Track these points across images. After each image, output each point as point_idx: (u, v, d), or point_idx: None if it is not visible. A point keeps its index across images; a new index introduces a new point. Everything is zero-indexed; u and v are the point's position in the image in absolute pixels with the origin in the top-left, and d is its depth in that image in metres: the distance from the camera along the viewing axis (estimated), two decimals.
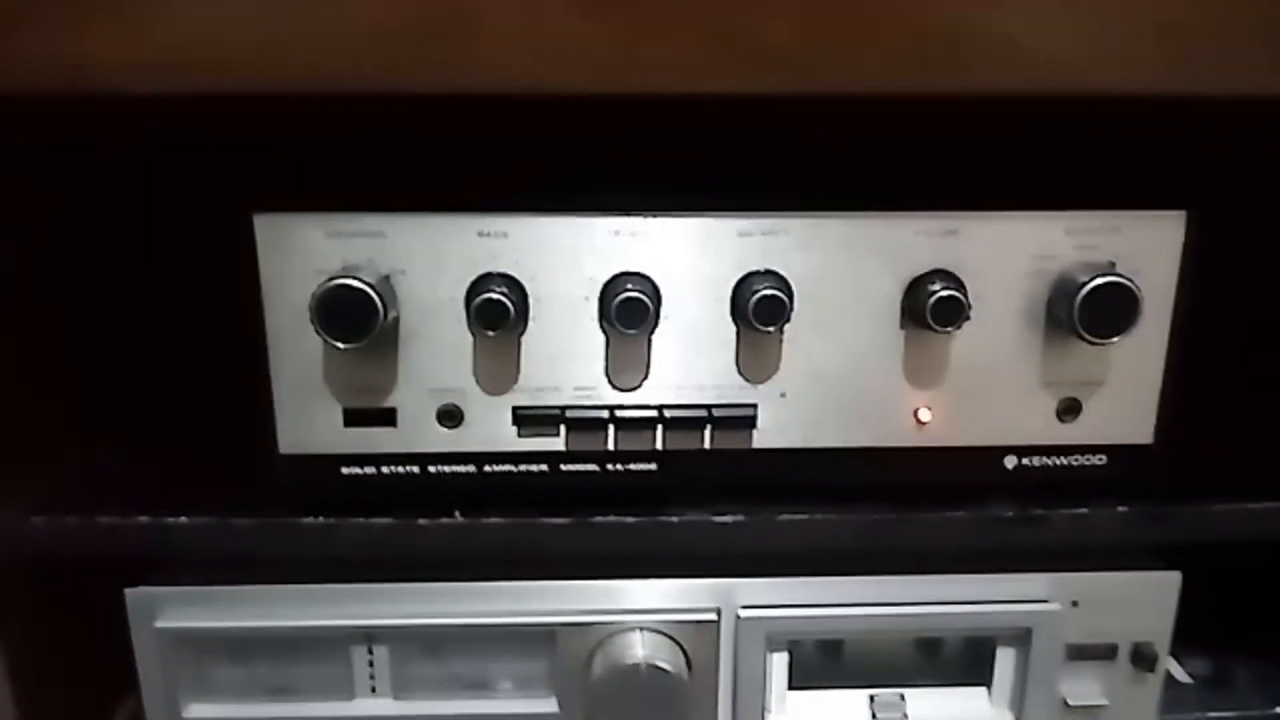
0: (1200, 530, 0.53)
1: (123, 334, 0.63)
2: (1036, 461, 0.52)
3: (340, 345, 0.46)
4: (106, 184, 0.61)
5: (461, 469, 0.51)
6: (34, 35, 0.42)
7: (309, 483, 0.50)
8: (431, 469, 0.51)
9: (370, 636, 0.54)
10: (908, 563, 0.55)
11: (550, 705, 0.55)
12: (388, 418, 0.50)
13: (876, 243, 0.49)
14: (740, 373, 0.50)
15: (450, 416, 0.50)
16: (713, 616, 0.54)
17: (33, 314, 0.56)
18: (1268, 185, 0.60)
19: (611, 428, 0.50)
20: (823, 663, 0.56)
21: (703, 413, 0.50)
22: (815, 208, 0.49)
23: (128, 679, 0.54)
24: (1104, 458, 0.52)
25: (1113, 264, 0.49)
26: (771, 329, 0.48)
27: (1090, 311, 0.48)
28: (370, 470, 0.51)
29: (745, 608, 0.54)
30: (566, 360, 0.50)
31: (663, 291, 0.49)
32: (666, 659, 0.53)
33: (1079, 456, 0.52)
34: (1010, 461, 0.52)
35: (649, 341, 0.50)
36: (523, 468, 0.51)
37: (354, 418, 0.50)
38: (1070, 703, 0.56)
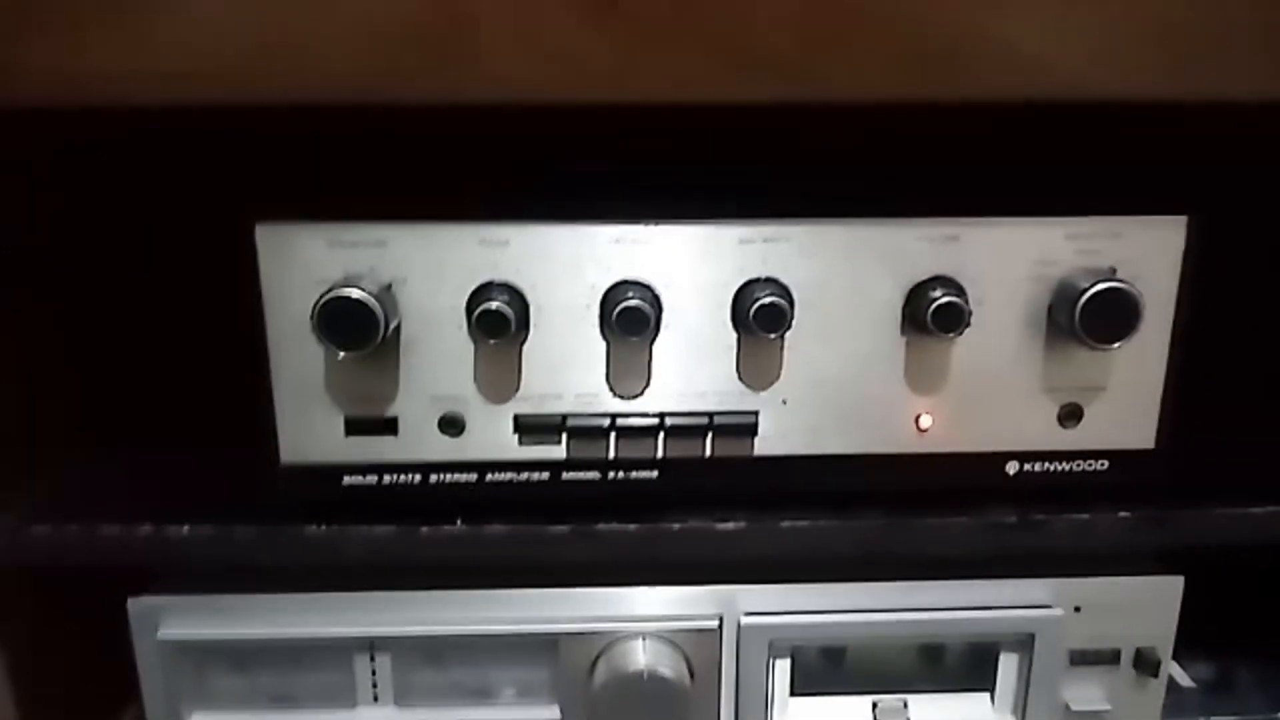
0: (1202, 535, 0.52)
1: (125, 343, 0.63)
2: (1038, 467, 0.52)
3: (342, 354, 0.46)
4: (108, 193, 0.61)
5: (463, 477, 0.51)
6: (34, 46, 0.42)
7: (311, 492, 0.50)
8: (433, 477, 0.51)
9: (372, 645, 0.54)
10: (910, 569, 0.55)
11: (553, 713, 0.55)
12: (389, 426, 0.50)
13: (877, 249, 0.49)
14: (741, 380, 0.50)
15: (452, 425, 0.50)
16: (715, 623, 0.54)
17: (35, 323, 0.56)
18: (1268, 190, 0.60)
19: (613, 435, 0.50)
20: (825, 669, 0.56)
21: (704, 420, 0.50)
22: (816, 214, 0.49)
23: (130, 688, 0.54)
24: (1105, 463, 0.52)
25: (1114, 269, 0.49)
26: (773, 336, 0.48)
27: (1091, 317, 0.48)
28: (372, 479, 0.51)
29: (747, 614, 0.54)
30: (568, 368, 0.50)
31: (664, 299, 0.49)
32: (669, 666, 0.53)
33: (1081, 462, 0.52)
34: (1012, 467, 0.52)
35: (650, 349, 0.50)
36: (524, 476, 0.51)
37: (355, 426, 0.50)
38: (1073, 708, 0.56)
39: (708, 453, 0.51)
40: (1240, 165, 0.57)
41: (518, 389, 0.50)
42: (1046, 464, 0.52)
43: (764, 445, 0.51)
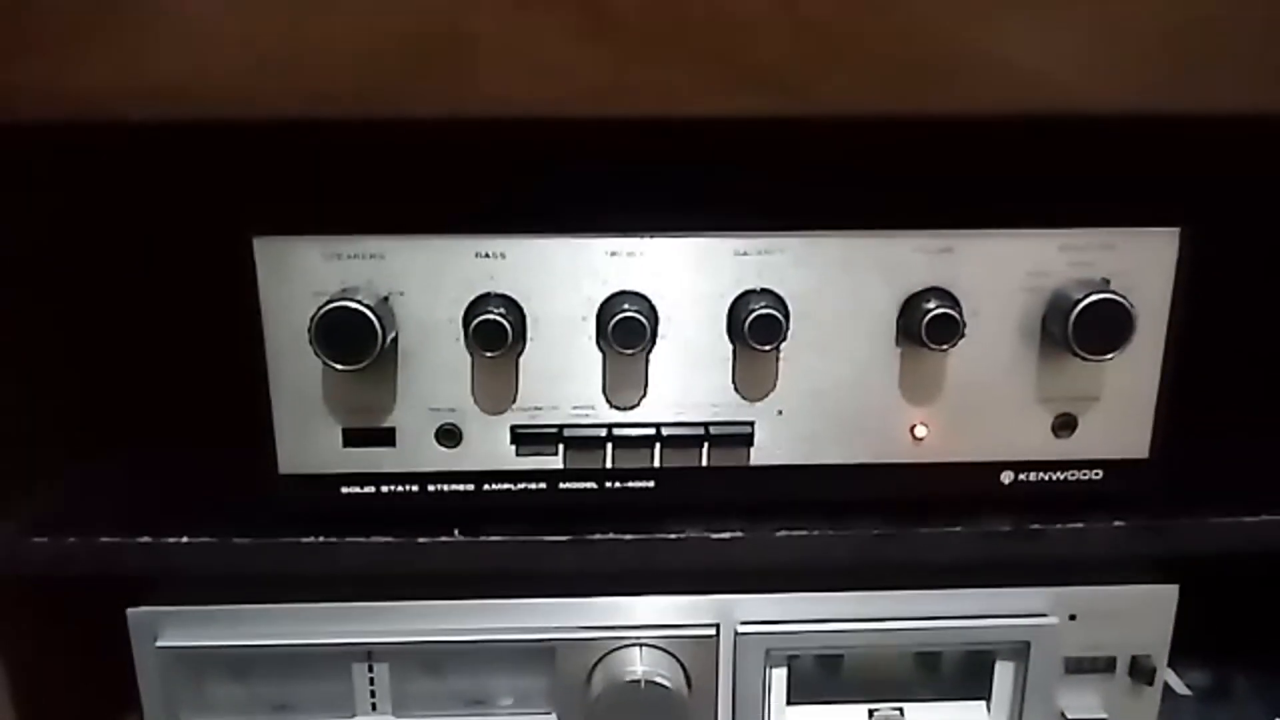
0: (1196, 543, 0.53)
1: (124, 355, 0.63)
2: (1033, 476, 0.53)
3: (339, 366, 0.46)
4: (107, 207, 0.62)
5: (460, 488, 0.51)
6: (32, 65, 0.42)
7: (309, 502, 0.51)
8: (431, 488, 0.51)
9: (371, 654, 0.54)
10: (906, 578, 0.55)
11: None
12: (387, 438, 0.50)
13: (872, 261, 0.49)
14: (737, 391, 0.51)
15: (449, 436, 0.50)
16: (712, 632, 0.54)
17: (35, 335, 0.56)
18: (1260, 202, 0.61)
19: (609, 446, 0.51)
20: (822, 677, 0.57)
21: (700, 430, 0.51)
22: (811, 226, 0.49)
23: (129, 697, 0.54)
24: (1100, 472, 0.53)
25: (1107, 281, 0.49)
26: (768, 347, 0.48)
27: (1084, 328, 0.48)
28: (370, 489, 0.51)
29: (744, 623, 0.54)
30: (564, 379, 0.50)
31: (660, 311, 0.49)
32: (666, 675, 0.53)
33: (1075, 471, 0.53)
34: (1007, 477, 0.53)
35: (646, 360, 0.50)
36: (521, 486, 0.51)
37: (353, 438, 0.50)
38: (1069, 716, 0.56)
39: (704, 463, 0.51)
40: (1232, 177, 0.58)
41: (515, 400, 0.50)
42: (1041, 473, 0.53)
43: (760, 455, 0.51)
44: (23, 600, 0.55)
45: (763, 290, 0.49)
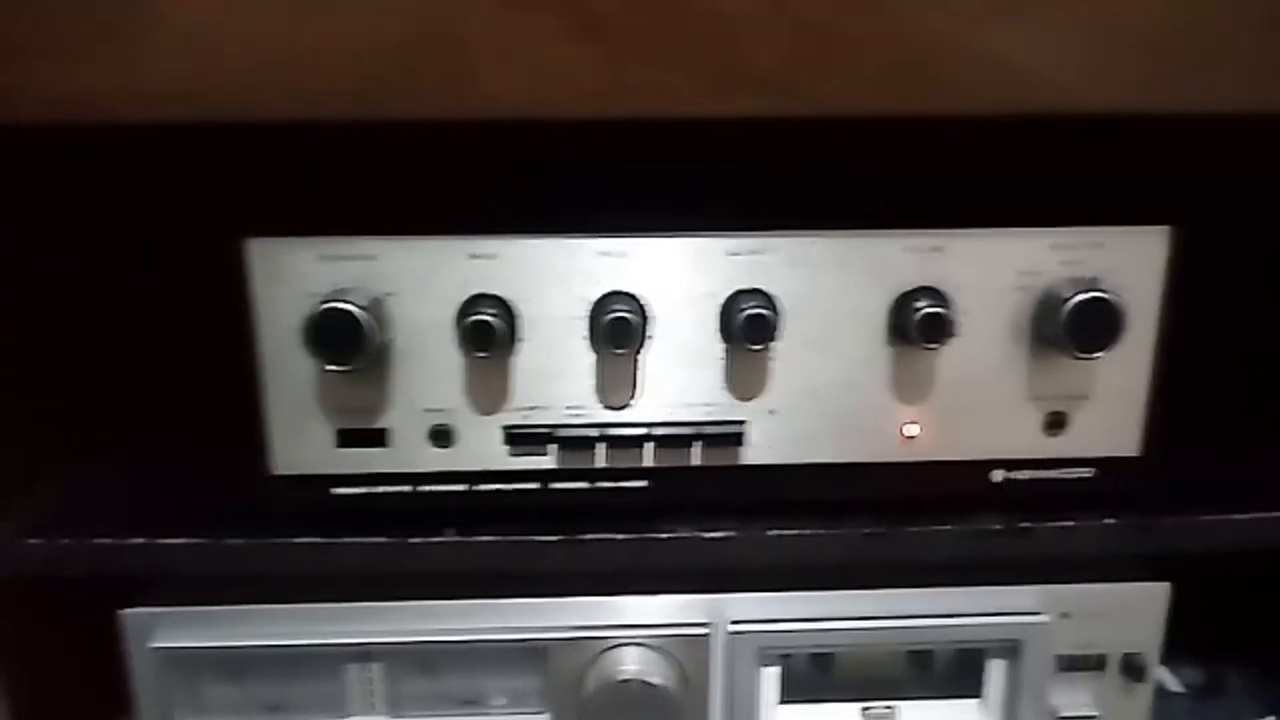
0: (1188, 541, 0.53)
1: (118, 356, 0.63)
2: (1024, 475, 0.53)
3: (332, 367, 0.47)
4: (100, 208, 0.62)
5: (453, 488, 0.51)
6: (30, 67, 0.42)
7: (302, 502, 0.51)
8: (424, 488, 0.51)
9: (365, 654, 0.54)
10: (898, 576, 0.55)
11: None
12: (380, 438, 0.50)
13: (863, 260, 0.49)
14: (729, 390, 0.51)
15: (442, 436, 0.50)
16: (704, 631, 0.54)
17: (28, 336, 0.56)
18: (1250, 200, 0.61)
19: (602, 446, 0.51)
20: (814, 676, 0.57)
21: (692, 430, 0.51)
22: (802, 226, 0.49)
23: (123, 698, 0.54)
24: (1091, 470, 0.53)
25: (1097, 280, 0.49)
26: (759, 347, 0.48)
27: (1075, 327, 0.48)
28: (363, 490, 0.51)
29: (736, 622, 0.54)
30: (556, 379, 0.50)
31: (651, 311, 0.49)
32: (659, 674, 0.53)
33: (1066, 469, 0.53)
34: (998, 475, 0.53)
35: (638, 360, 0.50)
36: (514, 486, 0.51)
37: (346, 438, 0.50)
38: (1062, 714, 0.57)
39: (696, 462, 0.51)
40: (1222, 175, 0.58)
41: (507, 400, 0.50)
42: (1032, 472, 0.53)
43: (752, 455, 0.52)
44: (17, 601, 0.55)
45: (754, 290, 0.49)
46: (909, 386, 0.51)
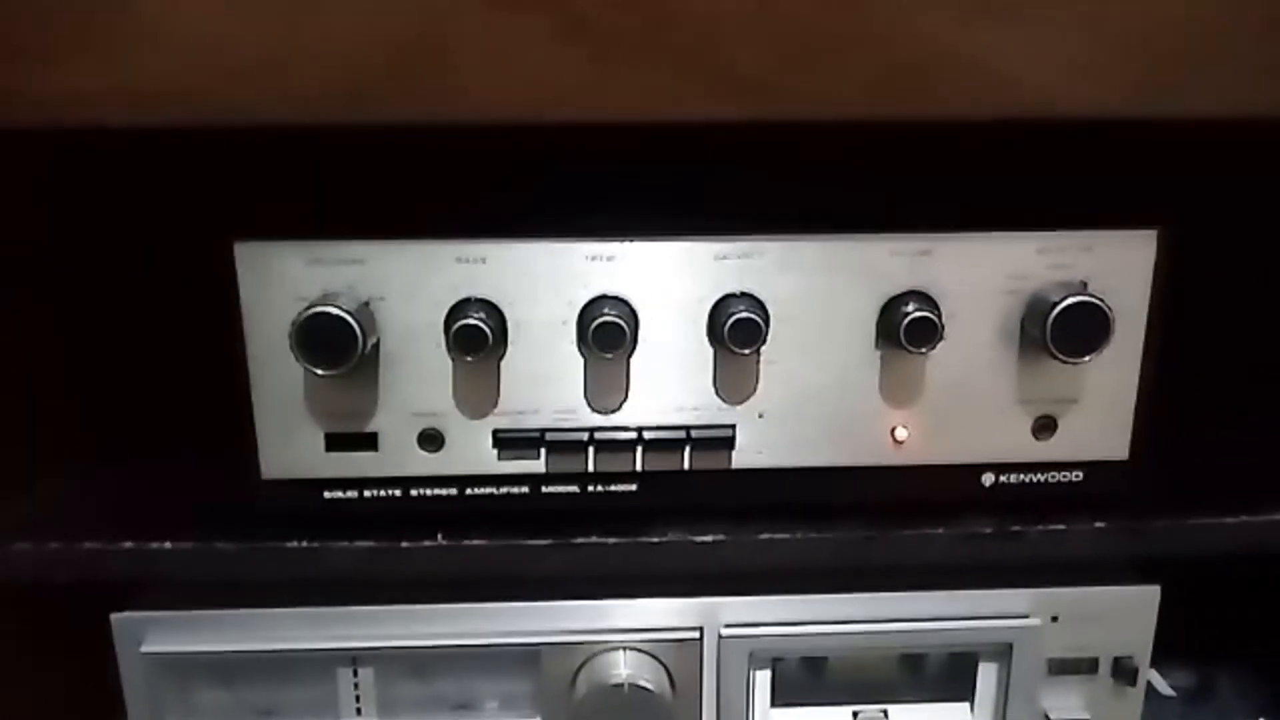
0: (1177, 544, 0.53)
1: (105, 360, 0.63)
2: (1014, 478, 0.53)
3: (320, 372, 0.47)
4: (86, 211, 0.62)
5: (443, 492, 0.51)
6: (20, 69, 0.42)
7: (292, 507, 0.51)
8: (413, 492, 0.51)
9: (355, 658, 0.54)
10: (888, 580, 0.55)
11: None
12: (369, 442, 0.50)
13: (851, 264, 0.49)
14: (718, 394, 0.51)
15: (431, 440, 0.50)
16: (695, 635, 0.54)
17: (14, 340, 0.56)
18: (1237, 204, 0.61)
19: (591, 449, 0.51)
20: (806, 680, 0.57)
21: (682, 434, 0.51)
22: (790, 230, 0.49)
23: (114, 702, 0.54)
24: (1080, 474, 0.53)
25: (1085, 283, 0.49)
26: (748, 351, 0.48)
27: (1063, 331, 0.48)
28: (352, 494, 0.51)
29: (728, 626, 0.54)
30: (546, 383, 0.50)
31: (640, 315, 0.49)
32: (650, 678, 0.53)
33: (1056, 473, 0.53)
34: (988, 479, 0.53)
35: (627, 364, 0.50)
36: (504, 490, 0.51)
37: (336, 442, 0.50)
38: (1053, 717, 0.57)
39: (686, 466, 0.51)
40: (1209, 178, 0.58)
41: (496, 404, 0.50)
42: (1022, 475, 0.53)
43: (741, 458, 0.52)
44: (7, 606, 0.55)
45: (743, 294, 0.49)
46: (898, 390, 0.51)
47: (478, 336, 0.47)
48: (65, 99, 0.42)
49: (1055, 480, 0.53)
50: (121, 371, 0.63)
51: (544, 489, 0.51)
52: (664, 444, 0.51)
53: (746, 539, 0.51)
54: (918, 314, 0.48)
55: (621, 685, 0.53)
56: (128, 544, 0.51)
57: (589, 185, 0.55)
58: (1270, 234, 0.66)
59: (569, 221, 0.49)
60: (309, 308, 0.46)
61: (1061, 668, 0.56)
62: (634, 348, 0.49)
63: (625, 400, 0.51)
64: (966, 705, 0.57)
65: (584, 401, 0.50)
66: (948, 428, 0.52)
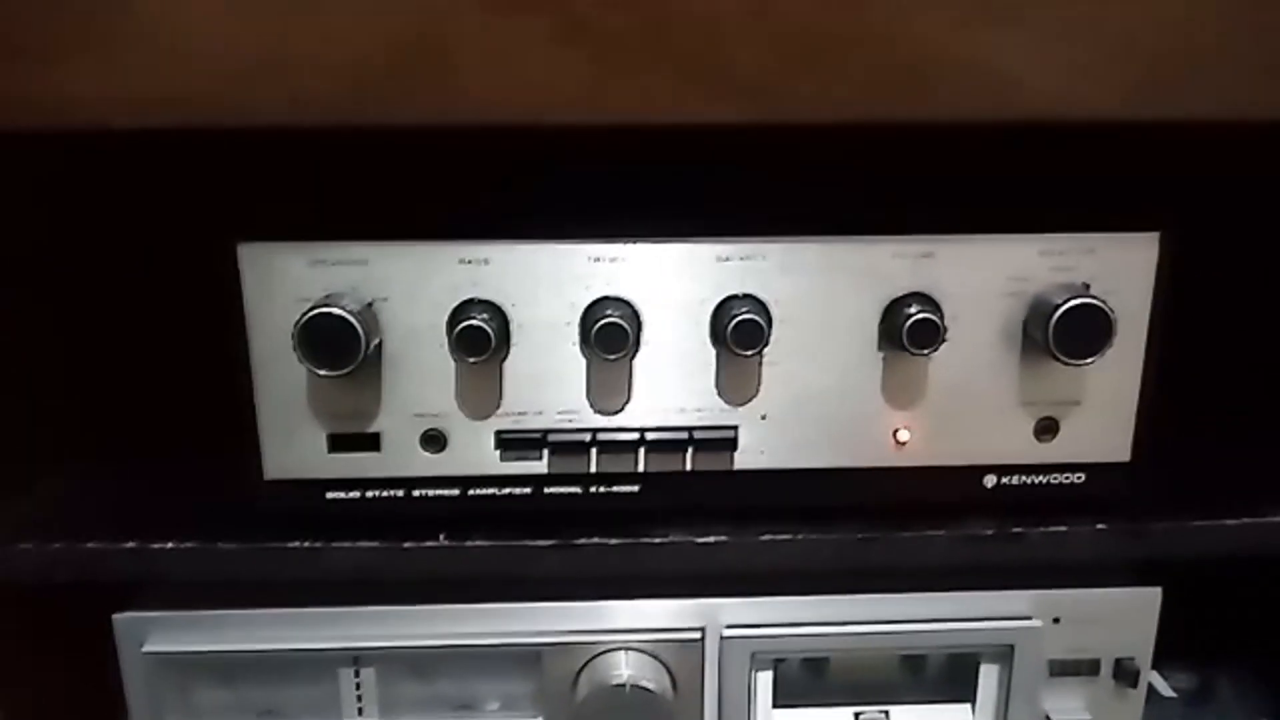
0: (1179, 546, 0.53)
1: (109, 361, 0.63)
2: (1015, 480, 0.53)
3: (323, 372, 0.47)
4: (90, 213, 0.62)
5: (445, 492, 0.51)
6: (19, 72, 0.42)
7: (294, 507, 0.51)
8: (416, 493, 0.51)
9: (357, 658, 0.54)
10: (890, 581, 0.55)
11: None
12: (372, 443, 0.50)
13: (854, 266, 0.50)
14: (720, 395, 0.51)
15: (434, 441, 0.50)
16: (697, 636, 0.54)
17: (19, 341, 0.56)
18: (1239, 206, 0.61)
19: (594, 450, 0.51)
20: (807, 681, 0.57)
21: (684, 435, 0.51)
22: (793, 232, 0.49)
23: (116, 702, 0.54)
24: (1082, 476, 0.53)
25: (1087, 285, 0.49)
26: (751, 352, 0.48)
27: (1065, 333, 0.48)
28: (355, 494, 0.51)
29: (729, 627, 0.55)
30: (548, 384, 0.50)
31: (643, 316, 0.49)
32: (651, 679, 0.54)
33: (1057, 475, 0.53)
34: (989, 480, 0.53)
35: (630, 365, 0.50)
36: (506, 491, 0.51)
37: (338, 443, 0.50)
38: (1054, 718, 0.57)
39: (688, 467, 0.52)
40: (1211, 181, 0.58)
41: (499, 405, 0.50)
42: (1024, 477, 0.53)
43: (743, 460, 0.52)
44: (8, 606, 0.55)
45: (745, 296, 0.49)
46: (900, 392, 0.51)
47: (480, 338, 0.47)
48: (66, 102, 0.42)
49: (1057, 482, 0.53)
50: (125, 372, 0.63)
51: (546, 490, 0.52)
52: (666, 445, 0.51)
53: (748, 540, 0.51)
54: (920, 316, 0.48)
55: (623, 686, 0.53)
56: (130, 544, 0.51)
57: (591, 187, 0.55)
58: (1272, 236, 0.66)
59: (572, 223, 0.49)
60: (312, 308, 0.46)
61: (1063, 669, 0.56)
62: (636, 349, 0.50)
63: (627, 401, 0.51)
64: (968, 706, 0.57)
65: (586, 403, 0.51)
66: (949, 429, 0.52)
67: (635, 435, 0.51)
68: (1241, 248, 0.64)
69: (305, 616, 0.54)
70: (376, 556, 0.51)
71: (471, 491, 0.51)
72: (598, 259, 0.49)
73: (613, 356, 0.48)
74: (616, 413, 0.51)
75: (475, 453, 0.51)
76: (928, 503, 0.53)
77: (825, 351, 0.50)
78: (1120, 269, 0.50)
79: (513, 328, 0.49)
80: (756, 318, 0.48)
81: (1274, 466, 0.58)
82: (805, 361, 0.51)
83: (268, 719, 0.55)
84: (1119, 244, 0.50)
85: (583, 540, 0.51)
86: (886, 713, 0.57)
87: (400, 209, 0.51)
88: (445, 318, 0.48)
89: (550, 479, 0.51)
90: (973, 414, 0.52)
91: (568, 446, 0.51)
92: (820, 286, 0.50)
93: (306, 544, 0.51)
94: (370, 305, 0.48)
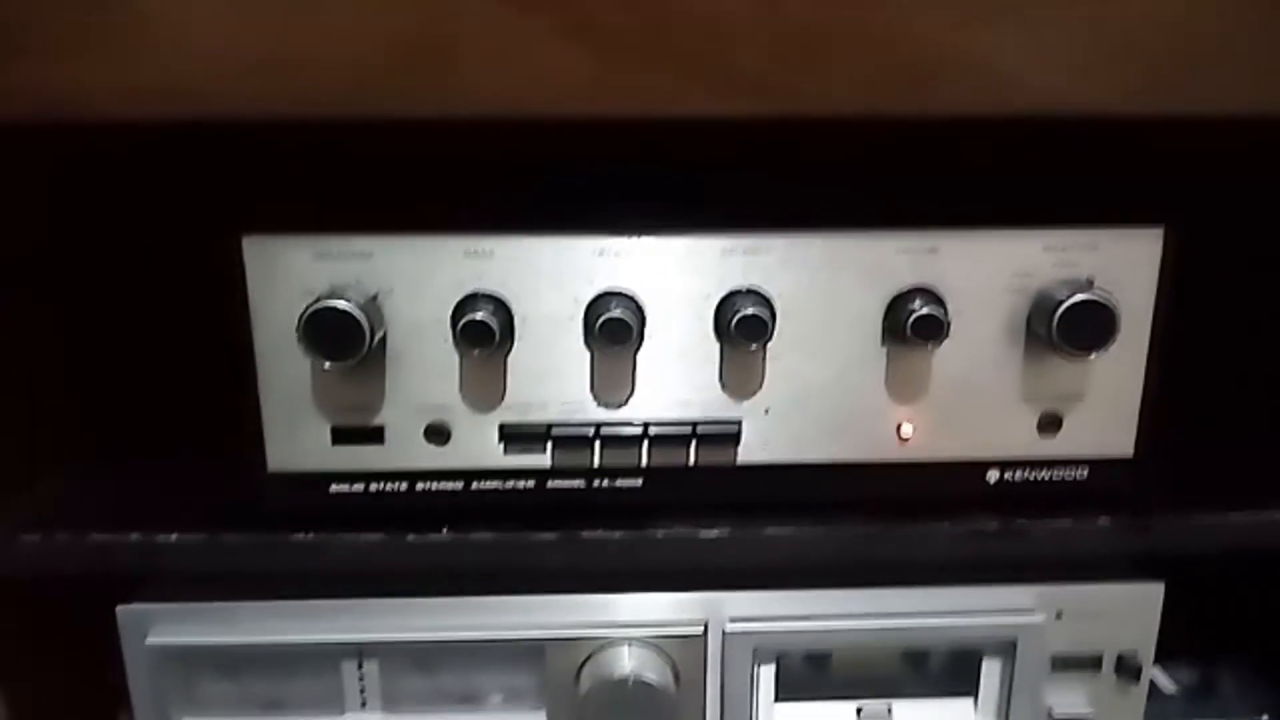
0: (1182, 541, 0.53)
1: (113, 353, 0.63)
2: (1019, 475, 0.53)
3: (328, 365, 0.47)
4: (94, 205, 0.62)
5: (449, 486, 0.51)
6: (25, 65, 0.42)
7: (298, 500, 0.51)
8: (419, 486, 0.51)
9: (360, 651, 0.54)
10: (893, 575, 0.55)
11: (539, 718, 0.55)
12: (376, 436, 0.50)
13: (858, 261, 0.50)
14: (724, 389, 0.51)
15: (437, 434, 0.51)
16: (700, 629, 0.55)
17: (23, 334, 0.57)
18: (1242, 201, 0.61)
19: (597, 444, 0.51)
20: (810, 675, 0.57)
21: (687, 429, 0.51)
22: (797, 226, 0.49)
23: (120, 695, 0.54)
24: (1085, 471, 0.53)
25: (1091, 280, 0.49)
26: (754, 346, 0.48)
27: (1068, 328, 0.48)
28: (359, 487, 0.51)
29: (732, 620, 0.55)
30: (552, 378, 0.50)
31: (647, 310, 0.49)
32: (654, 672, 0.54)
33: (1060, 470, 0.53)
34: (993, 475, 0.53)
35: (634, 359, 0.50)
36: (510, 484, 0.51)
37: (342, 436, 0.50)
38: (1056, 713, 0.57)
39: (691, 461, 0.52)
40: (1215, 176, 0.58)
41: (503, 398, 0.50)
42: (1027, 472, 0.53)
43: (747, 454, 0.52)
44: (14, 597, 0.55)
45: (749, 290, 0.49)
46: (904, 386, 0.51)
47: (485, 331, 0.47)
48: (72, 95, 0.42)
49: (1060, 477, 0.53)
50: (130, 365, 0.64)
51: (550, 483, 0.52)
52: (670, 439, 0.51)
53: (751, 534, 0.52)
54: (924, 310, 0.48)
55: (626, 679, 0.53)
56: (134, 536, 0.51)
57: (596, 181, 0.55)
58: (1276, 231, 0.66)
59: (576, 217, 0.49)
60: (316, 301, 0.46)
61: (1065, 664, 0.56)
62: (640, 343, 0.50)
63: (631, 395, 0.51)
64: (970, 701, 0.57)
65: (590, 396, 0.51)
66: (953, 424, 0.52)
67: (639, 429, 0.51)
68: (1245, 243, 0.64)
69: (308, 609, 0.54)
70: (380, 549, 0.51)
71: (475, 485, 0.51)
72: (602, 252, 0.49)
73: (617, 350, 0.48)
74: (620, 406, 0.51)
75: (479, 446, 0.51)
76: (931, 497, 0.53)
77: (829, 346, 0.50)
78: (1124, 264, 0.50)
79: (517, 321, 0.49)
80: (760, 312, 0.48)
81: (1277, 462, 0.58)
82: (809, 356, 0.51)
83: (271, 711, 0.55)
84: (1123, 239, 0.50)
85: (586, 534, 0.51)
86: (889, 707, 0.57)
87: (405, 202, 0.51)
88: (449, 311, 0.48)
89: (554, 472, 0.51)
90: (976, 409, 0.52)
91: (571, 440, 0.51)
92: (824, 281, 0.50)
93: (310, 536, 0.51)
94: (375, 298, 0.48)
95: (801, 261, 0.49)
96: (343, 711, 0.55)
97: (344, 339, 0.46)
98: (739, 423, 0.51)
